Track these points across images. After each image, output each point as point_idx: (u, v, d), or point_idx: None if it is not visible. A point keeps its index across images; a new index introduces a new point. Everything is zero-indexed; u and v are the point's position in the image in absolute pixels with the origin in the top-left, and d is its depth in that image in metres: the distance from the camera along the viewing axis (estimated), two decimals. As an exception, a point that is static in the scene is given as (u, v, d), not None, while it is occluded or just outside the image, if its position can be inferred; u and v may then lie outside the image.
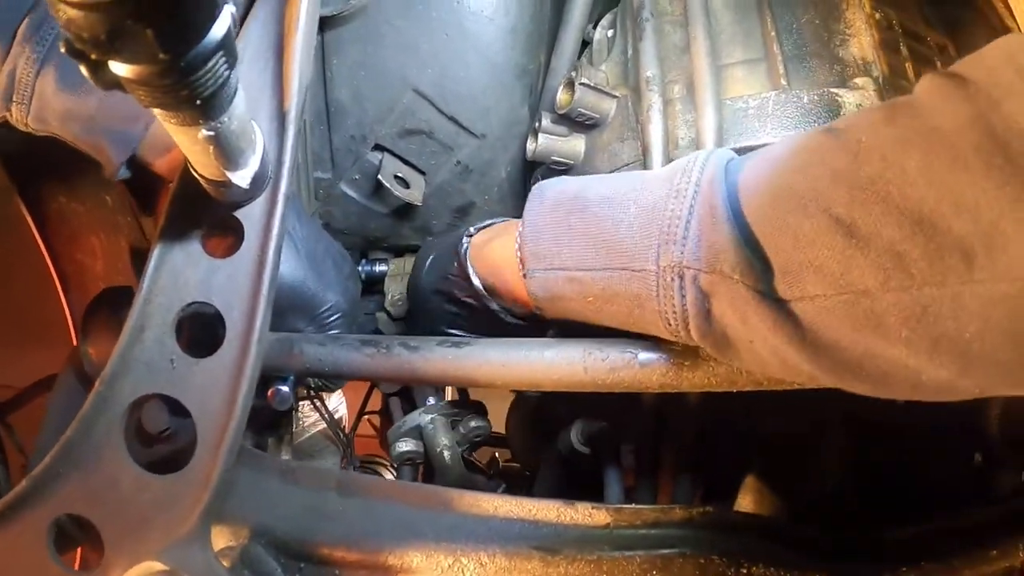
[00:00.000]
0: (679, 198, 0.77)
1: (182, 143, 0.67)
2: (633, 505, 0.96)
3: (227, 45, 0.53)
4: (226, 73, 0.55)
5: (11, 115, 0.86)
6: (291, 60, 0.88)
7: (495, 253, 1.00)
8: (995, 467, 1.07)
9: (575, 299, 0.86)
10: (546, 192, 0.91)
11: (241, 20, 0.95)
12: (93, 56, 0.46)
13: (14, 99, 0.85)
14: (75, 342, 1.64)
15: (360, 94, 1.21)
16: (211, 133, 0.63)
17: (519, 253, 0.90)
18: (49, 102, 0.84)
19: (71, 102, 0.83)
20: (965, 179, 0.55)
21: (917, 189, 0.58)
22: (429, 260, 1.12)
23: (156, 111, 0.58)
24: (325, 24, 1.12)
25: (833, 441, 1.11)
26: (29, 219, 1.47)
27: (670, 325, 0.78)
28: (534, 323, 1.01)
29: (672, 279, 0.76)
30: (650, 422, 1.17)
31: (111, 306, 1.14)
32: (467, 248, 1.03)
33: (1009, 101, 0.54)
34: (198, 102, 0.55)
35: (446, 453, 1.25)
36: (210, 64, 0.52)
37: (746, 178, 0.75)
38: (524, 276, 0.90)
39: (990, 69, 0.56)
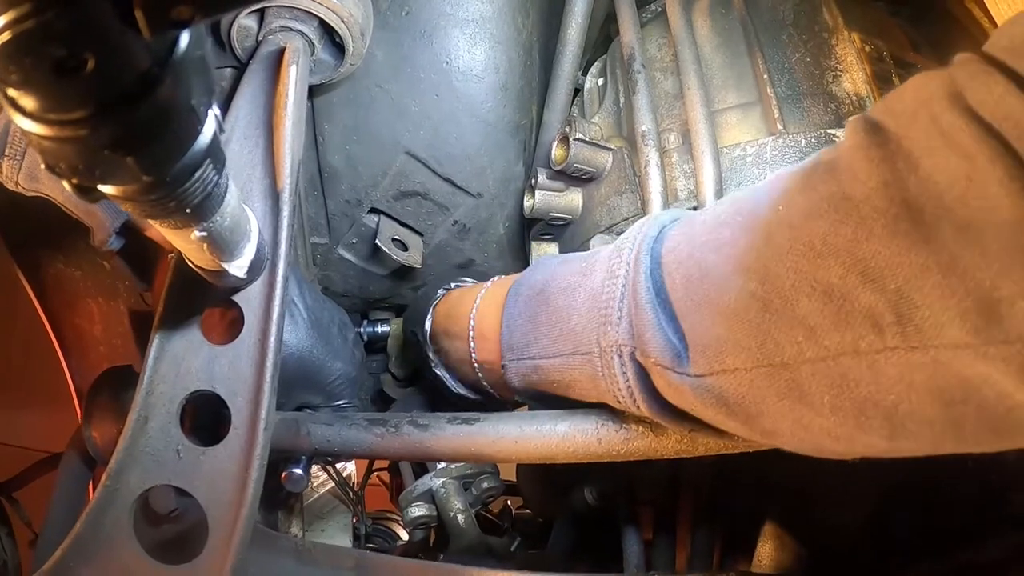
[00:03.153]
0: (613, 279, 0.80)
1: (175, 241, 0.65)
2: (653, 574, 0.94)
3: (214, 151, 0.51)
4: (215, 178, 0.54)
5: (1, 171, 0.84)
6: (281, 139, 0.88)
7: (454, 303, 1.09)
8: (1012, 494, 1.05)
9: (543, 385, 0.91)
10: (520, 289, 0.96)
11: (229, 94, 0.95)
12: (75, 181, 0.44)
13: (6, 154, 0.82)
14: (76, 404, 1.64)
15: (353, 158, 1.20)
16: (203, 234, 0.61)
17: (498, 343, 0.96)
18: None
19: None
20: (869, 248, 0.54)
21: (825, 260, 0.57)
22: (422, 289, 1.20)
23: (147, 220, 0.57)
24: (315, 90, 1.11)
25: (849, 479, 1.09)
26: (26, 284, 1.47)
27: (620, 402, 0.80)
28: (461, 382, 1.10)
29: (612, 358, 0.78)
30: (665, 477, 1.15)
31: (112, 388, 1.12)
32: (440, 298, 1.13)
33: (927, 160, 0.51)
34: (188, 210, 0.54)
35: (460, 517, 1.23)
36: (198, 174, 0.51)
37: (667, 256, 0.76)
38: (503, 367, 0.95)
39: (909, 118, 0.53)
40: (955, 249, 0.49)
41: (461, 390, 1.09)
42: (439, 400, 1.20)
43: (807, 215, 0.60)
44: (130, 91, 0.39)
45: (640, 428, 0.83)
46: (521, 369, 0.92)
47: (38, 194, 0.85)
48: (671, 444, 0.82)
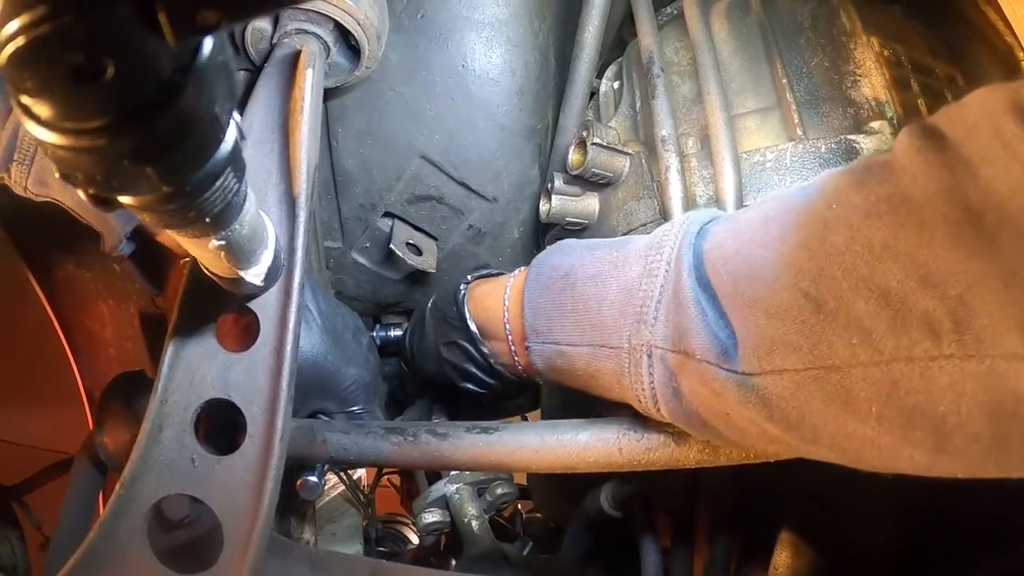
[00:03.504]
0: (651, 277, 0.79)
1: (192, 250, 0.65)
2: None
3: (235, 159, 0.50)
4: (236, 186, 0.53)
5: (10, 176, 0.83)
6: (297, 143, 0.87)
7: (486, 299, 1.06)
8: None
9: (567, 371, 0.90)
10: (542, 269, 0.95)
11: (244, 98, 0.94)
12: (91, 191, 0.43)
13: (15, 159, 0.81)
14: (86, 406, 1.64)
15: (367, 162, 1.19)
16: (222, 243, 0.61)
17: (522, 326, 0.95)
18: (51, 165, 0.80)
19: None
20: (931, 253, 0.54)
21: (883, 263, 0.57)
22: (430, 304, 1.16)
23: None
24: (330, 93, 1.10)
25: (870, 489, 1.08)
26: (37, 287, 1.47)
27: (640, 403, 0.80)
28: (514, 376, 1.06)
29: (641, 357, 0.78)
30: (683, 484, 1.14)
31: (124, 394, 1.12)
32: (464, 294, 1.09)
33: (987, 168, 0.52)
34: (207, 219, 0.53)
35: (474, 523, 1.22)
36: (219, 183, 0.50)
37: (712, 252, 0.76)
38: (527, 348, 0.95)
39: (970, 128, 0.54)
40: (1017, 259, 0.50)
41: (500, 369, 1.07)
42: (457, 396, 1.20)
43: (865, 215, 0.59)
44: (151, 99, 0.37)
45: (662, 438, 0.82)
46: (546, 352, 0.92)
47: (48, 199, 0.84)
48: (693, 454, 0.81)
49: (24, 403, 2.51)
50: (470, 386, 1.12)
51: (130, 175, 0.41)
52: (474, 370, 1.08)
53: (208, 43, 0.39)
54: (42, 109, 0.37)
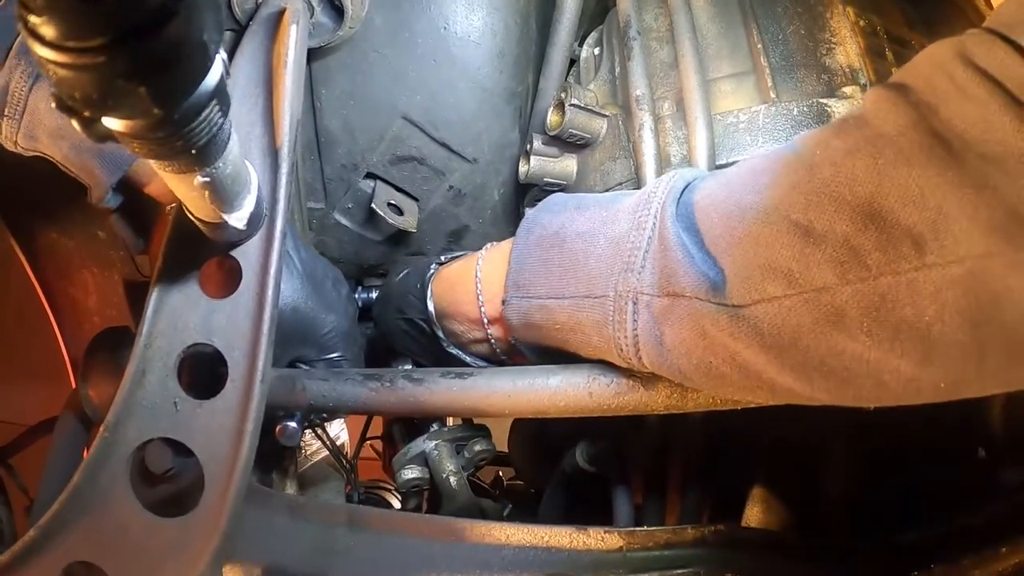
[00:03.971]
0: (640, 230, 0.82)
1: (177, 189, 0.66)
2: (645, 527, 0.95)
3: (220, 93, 0.52)
4: (220, 120, 0.55)
5: (0, 131, 0.84)
6: (281, 96, 0.88)
7: (453, 273, 1.08)
8: (999, 462, 1.07)
9: (544, 326, 0.91)
10: (532, 228, 0.96)
11: (229, 56, 0.95)
12: (86, 113, 0.45)
13: (5, 113, 0.82)
14: (71, 377, 1.64)
15: (350, 123, 1.21)
16: (206, 179, 0.62)
17: (504, 283, 0.95)
18: (41, 119, 0.82)
19: (63, 119, 0.82)
20: (910, 172, 0.60)
21: (866, 187, 0.62)
22: (400, 275, 1.17)
23: (151, 161, 0.57)
24: (313, 54, 1.11)
25: (837, 445, 1.10)
26: (20, 255, 1.47)
27: (622, 351, 0.82)
28: (477, 355, 1.07)
29: (626, 304, 0.80)
30: (655, 438, 1.17)
31: (109, 348, 1.13)
32: (433, 273, 1.11)
33: (945, 107, 0.58)
34: (193, 151, 0.55)
35: (452, 479, 1.24)
36: (205, 114, 0.52)
37: (702, 200, 0.80)
38: (503, 303, 0.95)
39: (926, 77, 0.61)
40: (983, 171, 0.56)
41: (481, 364, 1.07)
42: None
43: (846, 152, 0.65)
44: (147, 21, 0.40)
45: (631, 382, 0.84)
46: (523, 307, 0.93)
47: (36, 153, 0.86)
48: (661, 399, 0.84)
49: (8, 378, 2.50)
50: (427, 364, 1.15)
51: (124, 94, 0.43)
52: (430, 347, 1.10)
53: (199, -26, 0.42)
54: (48, 29, 0.39)
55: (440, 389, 0.91)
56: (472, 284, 1.02)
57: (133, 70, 0.41)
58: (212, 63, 0.48)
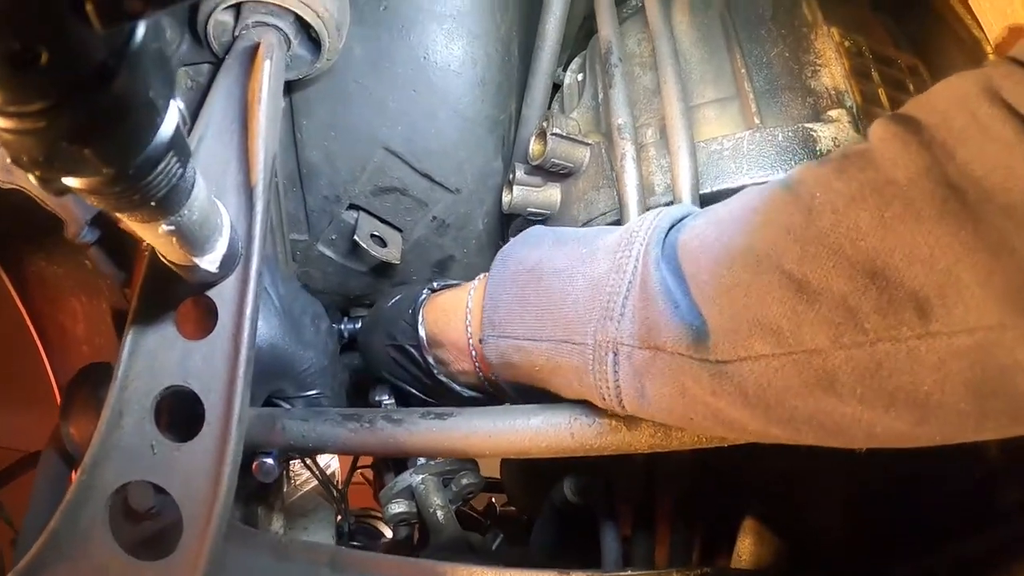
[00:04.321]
0: (619, 273, 0.78)
1: (144, 236, 0.65)
2: (629, 571, 0.94)
3: (177, 144, 0.51)
4: (179, 171, 0.54)
5: None
6: (256, 134, 0.88)
7: (446, 303, 1.05)
8: (997, 485, 1.05)
9: (522, 366, 0.89)
10: (508, 262, 0.94)
11: (204, 91, 0.94)
12: (38, 173, 0.44)
13: None
14: (59, 404, 1.63)
15: (331, 154, 1.20)
16: (171, 228, 0.61)
17: (481, 318, 0.93)
18: None
19: None
20: (918, 229, 0.54)
21: (869, 242, 0.57)
22: (392, 301, 1.15)
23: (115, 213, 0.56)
24: (293, 85, 1.11)
25: (827, 476, 1.09)
26: (8, 282, 1.46)
27: (604, 400, 0.79)
28: (465, 385, 1.05)
29: (606, 354, 0.76)
30: (642, 472, 1.15)
31: (90, 385, 1.12)
32: (425, 299, 1.08)
33: (964, 149, 0.53)
34: (153, 203, 0.54)
35: (439, 513, 1.23)
36: (161, 166, 0.51)
37: (690, 242, 0.75)
38: (480, 342, 0.93)
39: (943, 113, 0.55)
40: (1002, 229, 0.51)
41: (469, 393, 1.05)
42: None
43: (850, 199, 0.59)
44: (86, 83, 0.39)
45: (613, 422, 0.83)
46: (501, 347, 0.90)
47: (13, 186, 0.85)
48: (644, 439, 0.82)
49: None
50: (415, 391, 1.13)
51: (70, 156, 0.42)
52: (418, 375, 1.08)
53: (140, 30, 0.40)
54: None
55: (420, 430, 0.90)
56: (462, 314, 0.99)
57: (75, 133, 0.41)
58: (163, 117, 0.47)
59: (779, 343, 0.62)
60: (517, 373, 0.91)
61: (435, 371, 1.04)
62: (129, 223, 0.60)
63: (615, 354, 0.76)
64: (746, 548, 1.06)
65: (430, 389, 1.09)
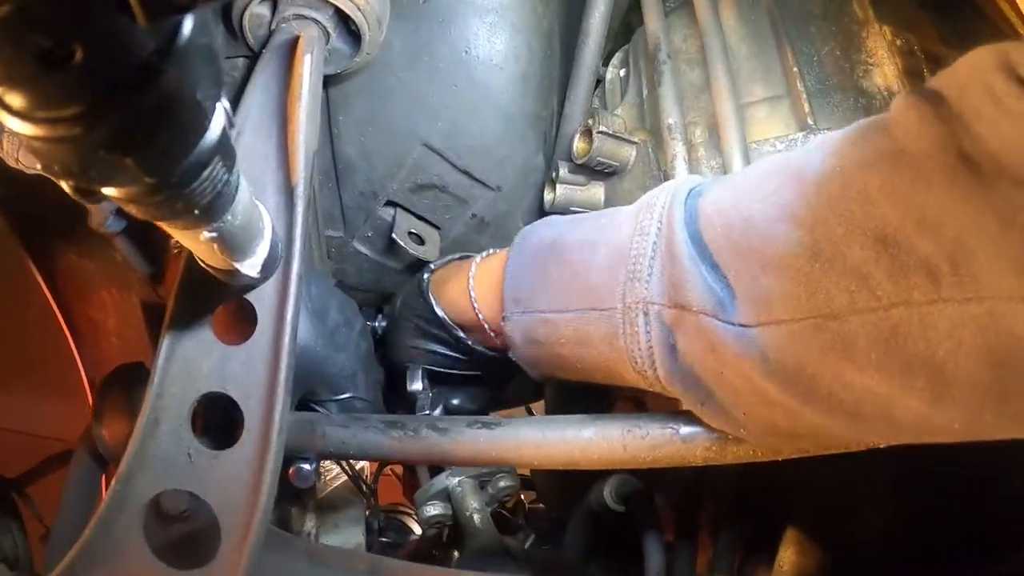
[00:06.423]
0: (643, 235, 0.78)
1: (184, 241, 0.63)
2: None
3: (223, 148, 0.48)
4: (225, 176, 0.51)
5: (2, 148, 0.83)
6: (296, 130, 0.85)
7: (451, 294, 1.04)
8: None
9: (550, 342, 0.88)
10: (528, 239, 0.94)
11: (240, 87, 0.92)
12: (72, 183, 0.41)
13: (6, 129, 0.81)
14: (88, 395, 1.63)
15: (368, 150, 1.17)
16: (214, 235, 0.59)
17: (501, 297, 0.93)
18: None
19: None
20: (928, 196, 0.55)
21: (879, 208, 0.58)
22: (399, 302, 1.16)
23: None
24: (330, 79, 1.08)
25: (874, 488, 1.06)
26: (39, 277, 1.46)
27: (636, 363, 0.78)
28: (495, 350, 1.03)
29: (637, 315, 0.76)
30: (687, 480, 1.13)
31: (123, 386, 1.11)
32: (427, 284, 1.08)
33: (979, 123, 0.53)
34: (196, 211, 0.51)
35: (476, 516, 1.21)
36: (206, 173, 0.47)
37: (707, 207, 0.75)
38: (503, 319, 0.92)
39: (961, 87, 0.55)
40: (1014, 201, 0.51)
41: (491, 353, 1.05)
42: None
43: (860, 164, 0.60)
44: (127, 84, 0.36)
45: (667, 435, 0.80)
46: (525, 322, 0.89)
47: (38, 172, 0.83)
48: (699, 452, 0.80)
49: (27, 392, 2.51)
50: (452, 370, 1.11)
51: (108, 166, 0.39)
52: (451, 353, 1.07)
53: (188, 24, 0.37)
54: (13, 98, 0.35)
55: (465, 439, 0.87)
56: (468, 300, 0.99)
57: (115, 141, 0.37)
58: (210, 120, 0.44)
59: (797, 308, 0.63)
60: (540, 351, 0.90)
61: (465, 342, 1.04)
62: (168, 229, 0.58)
63: (645, 314, 0.76)
64: (788, 559, 1.05)
65: (465, 365, 1.09)
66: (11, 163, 0.84)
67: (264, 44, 0.94)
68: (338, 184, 1.22)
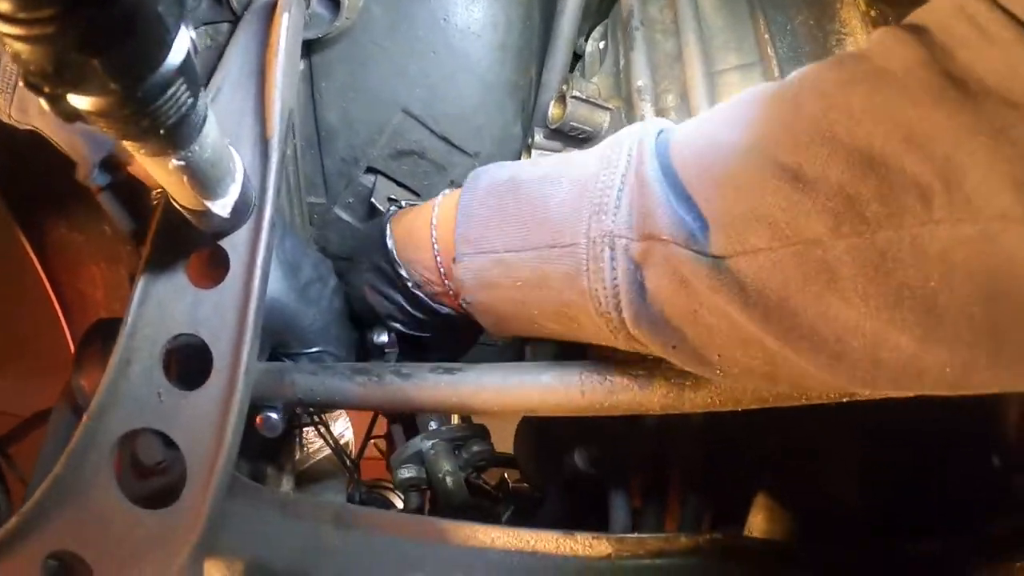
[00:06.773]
0: (610, 168, 0.74)
1: (155, 173, 0.65)
2: (636, 535, 0.92)
3: (187, 71, 0.51)
4: (189, 100, 0.53)
5: None
6: (272, 86, 0.87)
7: (411, 220, 0.99)
8: (1013, 471, 1.04)
9: (503, 284, 0.82)
10: (481, 178, 0.88)
11: (223, 50, 0.94)
12: (47, 89, 0.44)
13: None
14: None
15: (350, 116, 1.19)
16: (182, 163, 0.61)
17: (453, 237, 0.87)
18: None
19: None
20: (914, 113, 0.52)
21: (864, 126, 0.55)
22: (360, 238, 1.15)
23: (124, 143, 0.56)
24: (313, 47, 1.10)
25: (844, 451, 1.08)
26: (29, 249, 1.47)
27: (600, 304, 0.72)
28: (448, 307, 0.99)
29: (602, 250, 0.71)
30: (654, 443, 1.14)
31: (104, 338, 1.12)
32: (389, 217, 1.04)
33: (965, 51, 0.51)
34: (162, 132, 0.53)
35: (448, 479, 1.23)
36: (170, 92, 0.50)
37: (679, 137, 0.72)
38: (454, 261, 0.86)
39: (941, 22, 0.53)
40: (1004, 119, 0.49)
41: (445, 310, 0.99)
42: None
43: (840, 84, 0.58)
44: (98, -9, 0.39)
45: (625, 381, 0.81)
46: (478, 264, 0.83)
47: (29, 127, 0.86)
48: (657, 398, 0.80)
49: (23, 374, 2.51)
50: (402, 327, 1.06)
51: (78, 67, 0.43)
52: (400, 301, 1.01)
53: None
54: (3, 3, 0.39)
55: (428, 384, 0.89)
56: (427, 231, 0.93)
57: (85, 41, 0.41)
58: (172, 38, 0.47)
59: (776, 235, 0.59)
60: (494, 294, 0.85)
61: (410, 285, 0.98)
62: (139, 157, 0.60)
63: (612, 248, 0.71)
64: (758, 524, 1.05)
65: (416, 319, 1.03)
66: (4, 118, 0.86)
67: (247, 8, 0.96)
68: (320, 151, 1.23)
